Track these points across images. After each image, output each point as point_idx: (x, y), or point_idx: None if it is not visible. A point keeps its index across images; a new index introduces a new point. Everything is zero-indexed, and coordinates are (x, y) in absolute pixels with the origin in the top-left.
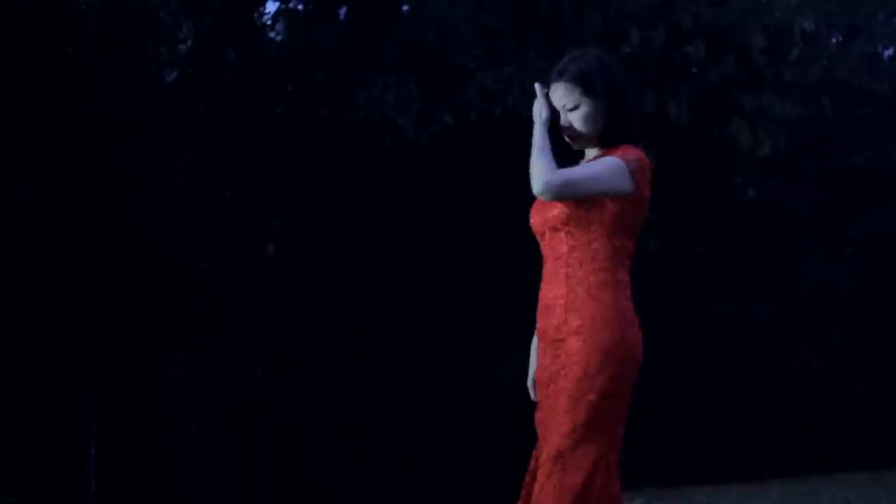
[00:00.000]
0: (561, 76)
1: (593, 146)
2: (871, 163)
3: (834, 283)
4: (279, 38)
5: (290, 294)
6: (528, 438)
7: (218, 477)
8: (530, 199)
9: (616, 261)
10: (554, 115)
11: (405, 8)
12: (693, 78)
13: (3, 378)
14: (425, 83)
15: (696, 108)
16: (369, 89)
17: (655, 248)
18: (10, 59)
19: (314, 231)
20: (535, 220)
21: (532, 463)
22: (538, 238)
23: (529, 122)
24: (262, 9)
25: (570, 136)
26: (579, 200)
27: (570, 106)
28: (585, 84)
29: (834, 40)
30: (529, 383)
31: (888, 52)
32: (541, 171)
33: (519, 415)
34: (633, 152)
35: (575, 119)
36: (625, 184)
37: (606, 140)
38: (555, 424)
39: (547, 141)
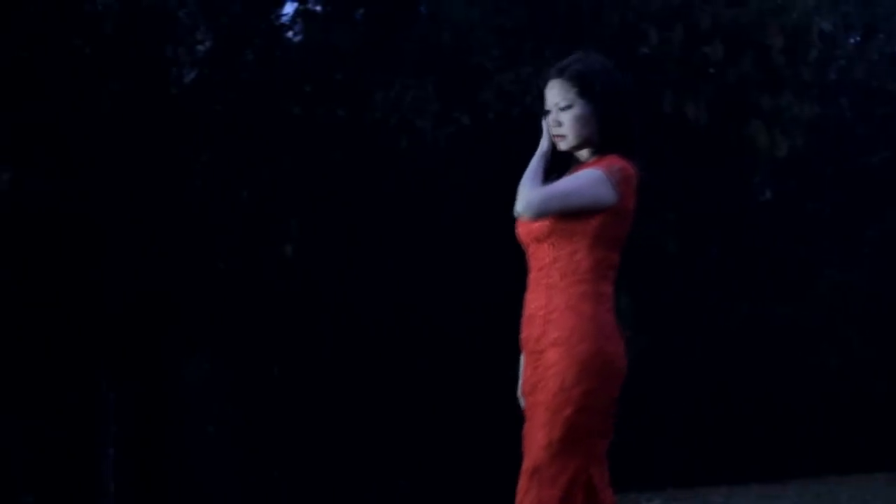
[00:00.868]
0: (560, 73)
1: (583, 151)
2: (889, 163)
3: (852, 284)
4: (297, 39)
5: (307, 295)
6: None
7: (235, 477)
8: None
9: (598, 273)
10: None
11: (422, 9)
12: (711, 78)
13: (21, 378)
14: (443, 84)
15: (714, 109)
16: (387, 90)
17: (672, 248)
18: (28, 59)
19: (332, 232)
20: (521, 230)
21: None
22: (524, 248)
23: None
24: (280, 10)
25: (556, 136)
26: (564, 215)
27: (562, 105)
28: (583, 85)
29: (852, 40)
30: (519, 393)
31: None
32: (523, 191)
33: None
34: (618, 163)
35: (565, 118)
36: (607, 195)
37: (597, 147)
38: (533, 438)
39: (540, 170)
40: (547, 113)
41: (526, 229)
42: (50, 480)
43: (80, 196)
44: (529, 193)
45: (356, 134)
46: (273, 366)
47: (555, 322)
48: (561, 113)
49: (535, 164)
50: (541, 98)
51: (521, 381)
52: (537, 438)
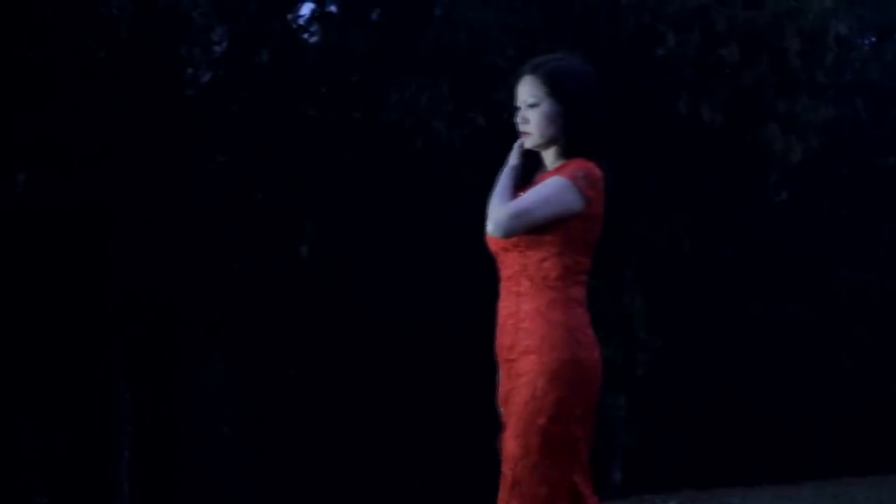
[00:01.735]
0: (533, 70)
1: (549, 152)
2: None
3: (866, 284)
4: (313, 40)
5: (321, 296)
6: None
7: (249, 477)
8: None
9: (568, 279)
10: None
11: (437, 10)
12: (727, 81)
13: (36, 380)
14: (458, 85)
15: (729, 111)
16: (402, 91)
17: (687, 249)
18: (43, 62)
19: (346, 233)
20: (490, 238)
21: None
22: (493, 256)
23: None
24: (296, 11)
25: (522, 133)
26: (536, 227)
27: (531, 102)
28: (553, 84)
29: (867, 42)
30: (497, 402)
31: None
32: (492, 209)
33: None
34: (583, 167)
35: (532, 116)
36: (574, 202)
37: (563, 148)
38: (509, 449)
39: (509, 186)
40: (517, 109)
41: (493, 239)
42: (65, 481)
43: (95, 197)
44: (498, 212)
45: (371, 135)
46: (287, 366)
47: (525, 330)
48: (529, 110)
49: (504, 180)
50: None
51: (498, 390)
52: (513, 449)
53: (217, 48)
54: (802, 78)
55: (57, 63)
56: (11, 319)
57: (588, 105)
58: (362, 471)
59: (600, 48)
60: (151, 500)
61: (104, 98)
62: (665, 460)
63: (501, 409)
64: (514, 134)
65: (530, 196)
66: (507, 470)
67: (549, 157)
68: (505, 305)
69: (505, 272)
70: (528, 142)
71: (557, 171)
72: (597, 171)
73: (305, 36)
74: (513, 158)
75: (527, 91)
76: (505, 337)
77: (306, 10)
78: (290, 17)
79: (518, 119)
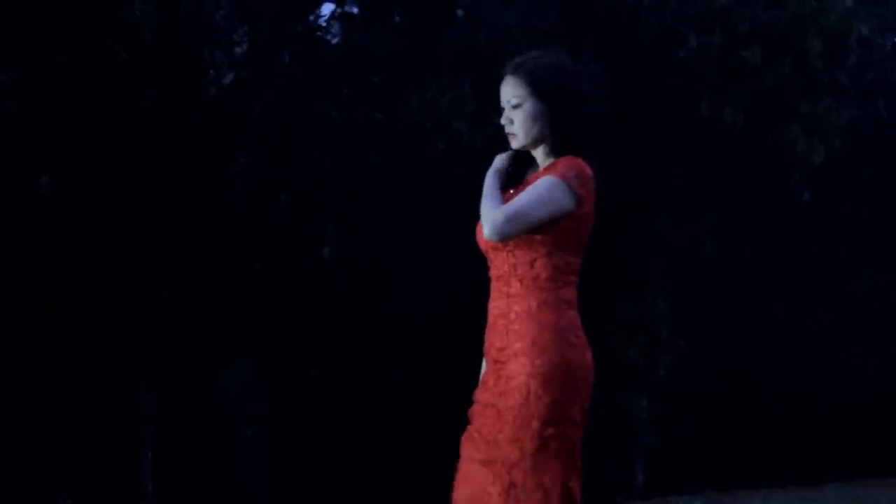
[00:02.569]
0: (514, 70)
1: (538, 151)
2: None
3: (889, 285)
4: (334, 41)
5: (344, 297)
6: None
7: (273, 479)
8: None
9: (559, 280)
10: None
11: (459, 11)
12: (749, 82)
13: (58, 381)
14: (479, 86)
15: (751, 113)
16: (423, 92)
17: (709, 250)
18: (67, 65)
19: (369, 234)
20: (479, 237)
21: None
22: (483, 255)
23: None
24: (317, 12)
25: (508, 134)
26: (532, 228)
27: (514, 102)
28: (535, 83)
29: (889, 43)
30: (477, 396)
31: None
32: (486, 213)
33: None
34: (574, 166)
35: (516, 116)
36: (566, 202)
37: (552, 146)
38: (499, 454)
39: (497, 188)
40: (501, 110)
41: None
42: (88, 483)
43: (118, 199)
44: (494, 215)
45: (393, 136)
46: (309, 367)
47: (516, 332)
48: (512, 111)
49: (492, 182)
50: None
51: (478, 387)
52: (507, 455)
53: (239, 49)
54: (824, 79)
55: (80, 65)
56: (34, 321)
57: (572, 102)
58: (385, 471)
59: (622, 49)
60: (175, 501)
61: (127, 100)
62: (688, 461)
63: (476, 404)
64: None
65: (524, 198)
66: (498, 478)
67: (538, 156)
68: (496, 306)
69: (495, 272)
70: (514, 142)
71: (548, 170)
72: (587, 170)
73: (327, 37)
74: (498, 160)
75: (509, 91)
76: (495, 337)
77: (327, 10)
78: (311, 17)
79: (503, 120)
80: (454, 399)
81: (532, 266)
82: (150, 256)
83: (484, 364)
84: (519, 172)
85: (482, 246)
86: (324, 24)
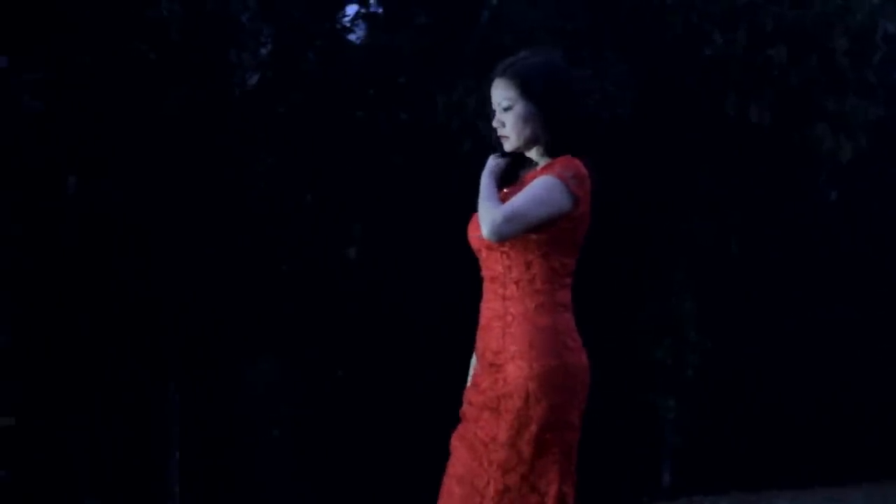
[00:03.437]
0: (503, 73)
1: (532, 151)
2: None
3: None
4: (359, 41)
5: (370, 298)
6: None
7: (300, 480)
8: (610, 201)
9: (555, 282)
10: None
11: (484, 12)
12: (775, 81)
13: (84, 380)
14: None
15: (777, 111)
16: (449, 93)
17: (735, 250)
18: (93, 64)
19: (395, 235)
20: (473, 236)
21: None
22: (476, 255)
23: (610, 126)
24: (342, 12)
25: (500, 137)
26: (530, 229)
27: (504, 105)
28: (525, 84)
29: None
30: (467, 398)
31: None
32: (484, 214)
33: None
34: (571, 166)
35: (507, 119)
36: (564, 203)
37: (546, 147)
38: (495, 457)
39: (494, 188)
40: (493, 113)
41: (477, 236)
42: (114, 483)
43: (143, 199)
44: (493, 215)
45: (418, 137)
46: (336, 368)
47: (513, 335)
48: (503, 113)
49: (488, 183)
50: (603, 100)
51: (469, 388)
52: (504, 457)
53: (264, 50)
54: (851, 77)
55: (107, 65)
56: (60, 320)
57: (564, 102)
58: (412, 472)
59: (647, 48)
60: (202, 502)
61: (154, 100)
62: (714, 462)
63: (467, 405)
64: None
65: (523, 198)
66: (493, 481)
67: (533, 157)
68: (490, 308)
69: (488, 273)
70: (507, 145)
71: (544, 170)
72: (583, 170)
73: (352, 37)
74: (493, 160)
75: (500, 94)
76: (491, 340)
77: (352, 10)
78: (336, 18)
79: (494, 123)
80: None
81: (528, 268)
82: (177, 257)
83: (473, 364)
84: (513, 172)
85: (475, 246)
86: (349, 25)
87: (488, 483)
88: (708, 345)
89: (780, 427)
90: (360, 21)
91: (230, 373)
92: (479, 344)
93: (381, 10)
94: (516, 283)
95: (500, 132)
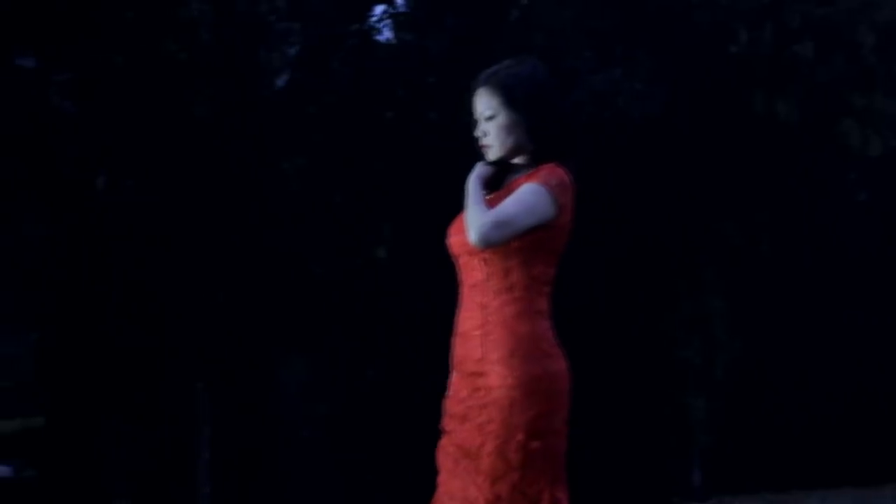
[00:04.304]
0: (486, 82)
1: (517, 159)
2: None
3: None
4: (388, 42)
5: (400, 298)
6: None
7: (330, 480)
8: (640, 200)
9: (534, 290)
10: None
11: (515, 13)
12: (802, 77)
13: (117, 382)
14: None
15: (805, 108)
16: None
17: (766, 249)
18: (125, 64)
19: (424, 235)
20: (453, 240)
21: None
22: (454, 260)
23: (640, 125)
24: (371, 13)
25: (483, 146)
26: (518, 236)
27: (487, 114)
28: (507, 94)
29: None
30: (445, 410)
31: None
32: (472, 220)
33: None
34: (555, 174)
35: (490, 128)
36: (549, 211)
37: (531, 155)
38: (483, 467)
39: (481, 195)
40: (476, 123)
41: (458, 240)
42: (146, 483)
43: (173, 199)
44: (481, 221)
45: (447, 136)
46: (366, 368)
47: (494, 343)
48: (487, 123)
49: (475, 189)
50: (634, 99)
51: (448, 398)
52: (492, 466)
53: (293, 50)
54: (879, 72)
55: (138, 65)
56: (91, 322)
57: (546, 110)
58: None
59: (675, 47)
60: (232, 501)
61: (183, 100)
62: (744, 462)
63: (448, 417)
64: (592, 135)
65: (511, 205)
66: (482, 491)
67: (518, 164)
68: (469, 315)
69: (467, 279)
70: (491, 154)
71: (529, 177)
72: (567, 178)
73: (381, 38)
74: (480, 167)
75: (483, 103)
76: (471, 348)
77: (380, 10)
78: (365, 18)
79: (477, 132)
80: None
81: (507, 275)
82: (207, 257)
83: (452, 378)
84: (500, 179)
85: (455, 251)
86: (377, 25)
87: (478, 495)
88: (738, 345)
89: (809, 427)
90: (387, 20)
91: (261, 373)
92: (458, 352)
93: (410, 11)
94: (496, 291)
95: (484, 141)
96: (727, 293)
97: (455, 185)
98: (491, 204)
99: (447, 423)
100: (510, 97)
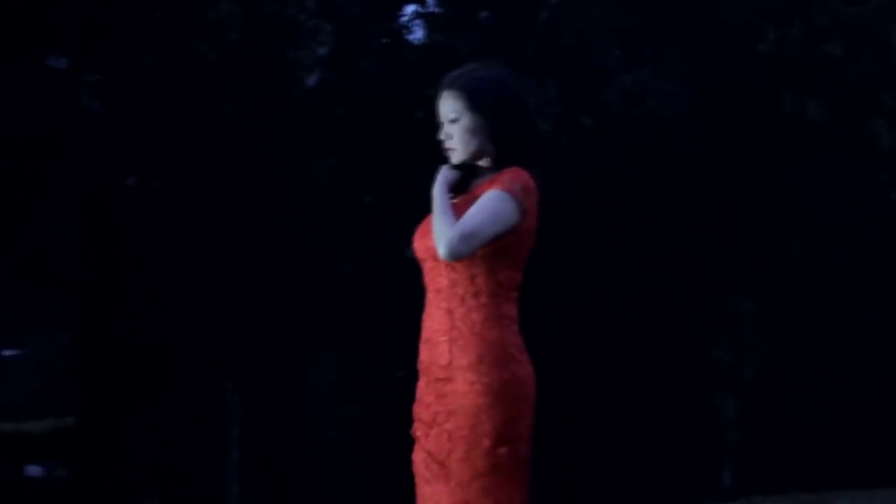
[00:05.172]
0: (450, 85)
1: (480, 162)
2: None
3: None
4: (417, 41)
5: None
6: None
7: (360, 481)
8: (671, 200)
9: (501, 295)
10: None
11: (544, 13)
12: (831, 76)
13: (145, 382)
14: (564, 86)
15: (834, 107)
16: None
17: (796, 248)
18: (153, 64)
19: None
20: (418, 244)
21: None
22: (419, 263)
23: (669, 125)
24: (401, 12)
25: (447, 149)
26: (486, 245)
27: (451, 117)
28: (471, 97)
29: None
30: (416, 416)
31: None
32: (439, 233)
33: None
34: (519, 178)
35: (454, 131)
36: (513, 217)
37: (494, 159)
38: (452, 474)
39: (448, 205)
40: (440, 126)
41: (423, 245)
42: (175, 484)
43: (203, 199)
44: (449, 234)
45: None
46: (395, 368)
47: (461, 348)
48: (450, 125)
49: (442, 198)
50: (663, 99)
51: (416, 404)
52: (459, 474)
53: (322, 50)
54: None
55: (166, 66)
56: (121, 321)
57: (510, 114)
58: None
59: (703, 46)
60: (261, 501)
61: (212, 100)
62: (775, 462)
63: (418, 423)
64: (621, 135)
65: (477, 215)
66: (451, 498)
67: (481, 168)
68: (435, 321)
69: (432, 285)
70: (454, 157)
71: (492, 182)
72: (531, 183)
73: (410, 37)
74: (445, 171)
75: (448, 106)
76: (438, 354)
77: (410, 10)
78: (395, 17)
79: (441, 136)
80: (549, 399)
81: (473, 281)
82: (236, 256)
83: (420, 384)
84: (465, 182)
85: (420, 255)
86: (407, 25)
87: (449, 500)
88: (767, 345)
89: (840, 427)
90: (417, 20)
91: (289, 373)
92: (424, 357)
93: (439, 10)
94: (462, 297)
95: (447, 144)
96: (756, 293)
97: None
98: (457, 209)
99: (417, 429)
100: (474, 101)
